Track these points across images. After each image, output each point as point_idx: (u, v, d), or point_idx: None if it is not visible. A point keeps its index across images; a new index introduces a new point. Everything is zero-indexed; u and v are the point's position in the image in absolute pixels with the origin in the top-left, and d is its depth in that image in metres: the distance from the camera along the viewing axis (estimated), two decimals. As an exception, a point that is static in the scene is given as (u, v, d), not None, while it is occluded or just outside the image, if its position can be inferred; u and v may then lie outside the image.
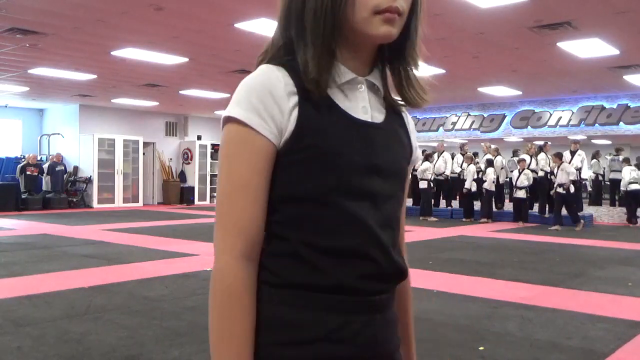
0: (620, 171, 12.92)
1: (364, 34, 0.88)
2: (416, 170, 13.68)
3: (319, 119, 0.87)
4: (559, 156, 11.71)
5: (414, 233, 10.25)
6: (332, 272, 0.86)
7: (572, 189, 11.48)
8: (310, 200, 0.87)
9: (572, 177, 11.45)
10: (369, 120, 0.92)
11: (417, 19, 0.93)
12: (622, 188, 12.42)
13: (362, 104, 0.92)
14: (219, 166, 0.89)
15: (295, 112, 0.86)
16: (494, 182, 12.82)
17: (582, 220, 11.61)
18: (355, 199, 0.88)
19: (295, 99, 0.86)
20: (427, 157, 13.79)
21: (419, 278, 5.63)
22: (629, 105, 12.76)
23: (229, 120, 0.87)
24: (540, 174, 12.59)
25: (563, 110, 13.62)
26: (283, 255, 0.88)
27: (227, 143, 0.87)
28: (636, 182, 12.44)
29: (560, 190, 11.47)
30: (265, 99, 0.85)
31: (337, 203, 0.87)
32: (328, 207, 0.87)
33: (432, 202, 13.84)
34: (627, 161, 13.07)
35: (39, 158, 15.74)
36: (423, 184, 13.50)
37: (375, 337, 0.90)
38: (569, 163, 12.61)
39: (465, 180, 13.27)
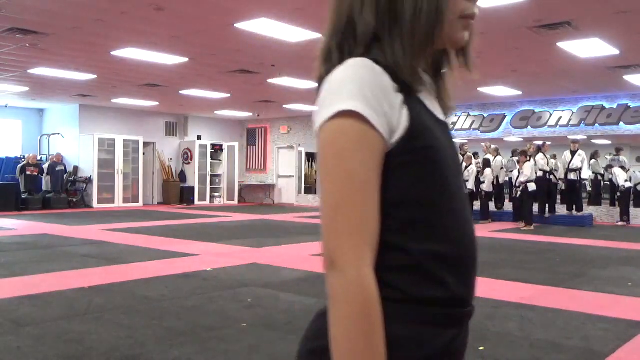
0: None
1: (445, 36, 0.88)
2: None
3: (425, 119, 0.84)
4: (524, 154, 11.74)
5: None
6: (451, 283, 0.84)
7: (531, 187, 11.48)
8: (425, 204, 0.83)
9: (522, 179, 11.53)
10: (443, 119, 0.93)
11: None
12: (621, 184, 12.42)
13: (436, 104, 0.93)
14: (326, 164, 0.80)
15: (405, 110, 0.82)
16: (492, 182, 12.82)
17: (526, 223, 11.54)
18: (457, 202, 0.87)
19: (400, 96, 0.83)
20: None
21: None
22: (629, 105, 12.76)
23: (344, 114, 0.79)
24: (539, 174, 12.59)
25: (563, 110, 13.62)
26: (403, 268, 0.82)
27: (341, 139, 0.79)
28: (627, 181, 12.50)
29: (518, 190, 11.62)
30: (378, 94, 0.80)
31: (448, 207, 0.85)
32: (442, 212, 0.84)
33: None
34: (610, 167, 13.17)
35: (39, 158, 15.74)
36: None
37: (465, 347, 0.91)
38: (570, 163, 12.63)
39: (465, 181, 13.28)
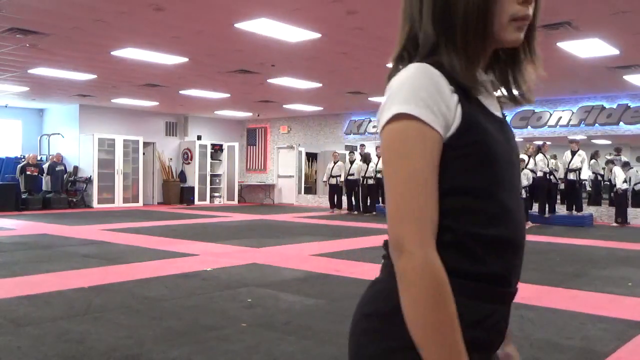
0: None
1: (498, 38, 0.96)
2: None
3: (477, 116, 0.93)
4: None
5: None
6: (491, 262, 0.93)
7: None
8: (473, 192, 0.92)
9: None
10: (500, 116, 1.02)
11: (536, 21, 1.00)
12: (619, 185, 12.39)
13: (494, 102, 1.01)
14: (388, 161, 0.90)
15: (459, 109, 0.91)
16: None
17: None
18: (505, 192, 0.95)
19: (455, 96, 0.91)
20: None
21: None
22: (629, 105, 12.76)
23: (402, 116, 0.89)
24: (539, 174, 12.60)
25: (563, 110, 13.62)
26: (448, 245, 0.91)
27: (402, 138, 0.89)
28: (625, 182, 12.49)
29: None
30: (435, 96, 0.89)
31: (495, 196, 0.94)
32: (488, 200, 0.93)
33: None
34: (612, 162, 13.13)
35: (39, 158, 15.74)
36: None
37: (506, 326, 1.00)
38: (569, 163, 12.62)
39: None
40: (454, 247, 0.91)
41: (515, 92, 1.05)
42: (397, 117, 0.89)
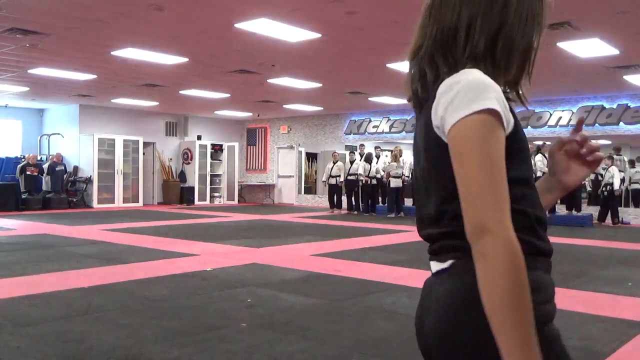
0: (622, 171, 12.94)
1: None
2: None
3: (518, 119, 1.08)
4: None
5: (414, 233, 10.25)
6: (547, 240, 1.08)
7: None
8: (523, 181, 1.06)
9: None
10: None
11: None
12: (616, 187, 12.36)
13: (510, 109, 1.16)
14: (472, 148, 0.97)
15: (510, 112, 1.05)
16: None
17: None
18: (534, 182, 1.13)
19: (506, 100, 1.05)
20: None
21: (420, 278, 5.62)
22: (629, 105, 12.76)
23: (485, 111, 0.98)
24: (539, 174, 12.59)
25: (563, 110, 13.62)
26: (526, 227, 1.03)
27: (485, 129, 0.98)
28: (622, 182, 12.50)
29: None
30: (500, 97, 1.01)
31: (534, 184, 1.11)
32: (532, 188, 1.09)
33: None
34: (610, 158, 13.12)
35: (39, 158, 15.74)
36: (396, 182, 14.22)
37: None
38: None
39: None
40: (530, 229, 1.04)
41: None
42: (476, 112, 0.97)
